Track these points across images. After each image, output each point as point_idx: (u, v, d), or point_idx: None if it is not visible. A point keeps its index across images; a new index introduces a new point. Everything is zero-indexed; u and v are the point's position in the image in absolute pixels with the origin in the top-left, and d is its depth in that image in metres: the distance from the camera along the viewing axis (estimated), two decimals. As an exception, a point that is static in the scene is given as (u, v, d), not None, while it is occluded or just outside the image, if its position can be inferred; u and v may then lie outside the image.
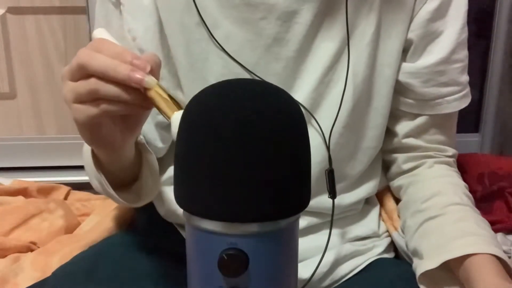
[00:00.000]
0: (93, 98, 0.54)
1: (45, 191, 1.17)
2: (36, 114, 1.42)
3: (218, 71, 0.74)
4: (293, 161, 0.44)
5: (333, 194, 0.74)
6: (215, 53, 0.74)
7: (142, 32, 0.74)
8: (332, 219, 0.74)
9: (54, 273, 0.77)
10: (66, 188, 1.19)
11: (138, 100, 0.54)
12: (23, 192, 1.15)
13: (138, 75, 0.52)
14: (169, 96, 0.54)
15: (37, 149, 1.36)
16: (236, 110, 0.43)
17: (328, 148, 0.76)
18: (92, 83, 0.53)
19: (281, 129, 0.43)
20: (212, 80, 0.73)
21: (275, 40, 0.73)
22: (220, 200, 0.42)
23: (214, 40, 0.73)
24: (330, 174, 0.75)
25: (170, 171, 0.83)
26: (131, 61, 0.53)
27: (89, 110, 0.54)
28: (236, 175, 0.42)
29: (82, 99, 0.54)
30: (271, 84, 0.47)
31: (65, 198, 1.17)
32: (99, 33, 0.62)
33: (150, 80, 0.53)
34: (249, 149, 0.42)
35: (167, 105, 0.53)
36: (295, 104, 0.47)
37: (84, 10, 1.35)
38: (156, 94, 0.53)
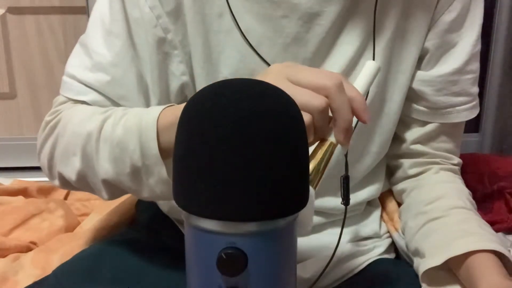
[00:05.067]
0: (305, 110, 0.53)
1: (45, 191, 1.17)
2: (36, 114, 1.42)
3: (233, 65, 0.73)
4: (291, 160, 0.44)
5: (346, 201, 0.74)
6: (232, 46, 0.73)
7: (165, 14, 0.72)
8: (343, 225, 0.74)
9: (54, 271, 0.77)
10: (66, 188, 1.19)
11: (315, 139, 0.57)
12: (23, 192, 1.15)
13: (368, 117, 0.57)
14: (324, 165, 0.56)
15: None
16: (234, 110, 0.43)
17: (345, 153, 0.76)
18: (324, 101, 0.54)
19: (279, 128, 0.43)
20: (226, 73, 0.73)
21: (294, 40, 0.73)
22: (219, 199, 0.42)
23: (234, 33, 0.73)
24: (345, 181, 0.75)
25: None
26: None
27: None
28: (235, 174, 0.42)
29: (300, 100, 0.53)
30: (270, 84, 0.47)
31: (65, 198, 1.17)
32: (371, 65, 0.64)
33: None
34: (247, 149, 0.42)
35: (317, 166, 0.55)
36: (293, 103, 0.47)
37: (84, 10, 1.36)
38: (327, 149, 0.56)
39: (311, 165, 0.55)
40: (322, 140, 0.57)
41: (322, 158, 0.56)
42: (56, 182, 0.75)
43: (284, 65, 0.57)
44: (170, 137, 0.62)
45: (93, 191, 0.71)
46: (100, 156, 0.67)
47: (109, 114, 0.69)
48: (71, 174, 0.71)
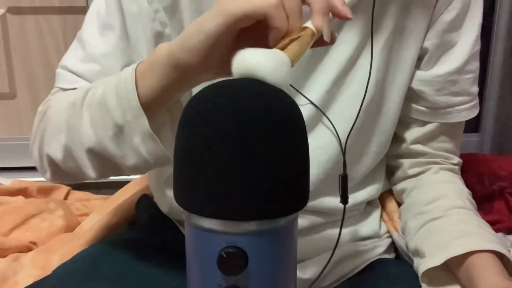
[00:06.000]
0: None
1: (45, 191, 1.17)
2: (36, 114, 1.42)
3: None
4: (291, 159, 0.44)
5: (344, 200, 0.74)
6: None
7: (162, 9, 0.72)
8: (342, 224, 0.74)
9: (54, 271, 0.77)
10: (66, 188, 1.19)
11: (291, 24, 0.53)
12: (23, 192, 1.15)
13: (348, 11, 0.53)
14: (303, 51, 0.53)
15: (37, 149, 1.36)
16: (234, 109, 0.43)
17: (343, 153, 0.76)
18: None
19: (279, 128, 0.43)
20: None
21: None
22: (219, 198, 0.42)
23: None
24: (343, 179, 0.74)
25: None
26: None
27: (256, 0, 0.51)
28: (235, 173, 0.42)
29: None
30: (270, 84, 0.47)
31: (65, 198, 1.18)
32: None
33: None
34: (247, 148, 0.42)
35: (299, 48, 0.51)
36: (294, 104, 0.47)
37: (84, 10, 1.36)
38: (307, 36, 0.53)
39: (293, 46, 0.51)
40: (301, 29, 0.54)
41: (302, 42, 0.52)
42: (48, 174, 0.74)
43: None
44: (149, 82, 0.60)
45: (81, 170, 0.68)
46: (83, 123, 0.65)
47: (92, 85, 0.68)
48: (57, 152, 0.69)
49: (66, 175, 0.72)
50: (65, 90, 0.75)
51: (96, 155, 0.66)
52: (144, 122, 0.61)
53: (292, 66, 0.49)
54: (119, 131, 0.62)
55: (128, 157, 0.64)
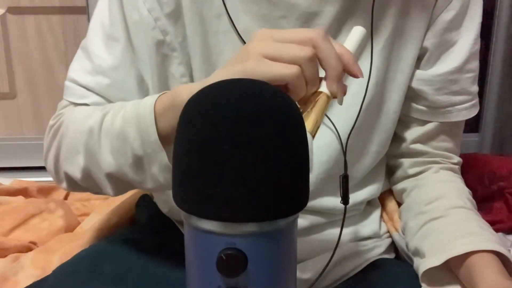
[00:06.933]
0: (293, 62, 0.54)
1: (45, 191, 1.17)
2: (36, 114, 1.42)
3: None
4: (291, 160, 0.44)
5: (345, 200, 0.74)
6: (231, 46, 0.73)
7: (164, 16, 0.73)
8: (342, 224, 0.74)
9: (54, 271, 0.77)
10: (66, 188, 1.19)
11: (309, 90, 0.55)
12: (23, 192, 1.15)
13: (358, 70, 0.57)
14: (321, 116, 0.56)
15: (37, 149, 1.36)
16: (234, 110, 0.43)
17: (344, 152, 0.76)
18: (311, 50, 0.54)
19: (279, 129, 0.43)
20: None
21: None
22: (219, 200, 0.42)
23: (232, 34, 0.73)
24: (344, 180, 0.75)
25: None
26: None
27: (279, 67, 0.54)
28: (234, 175, 0.42)
29: (281, 58, 0.54)
30: (269, 85, 0.47)
31: (65, 198, 1.18)
32: (357, 30, 0.63)
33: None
34: (247, 149, 0.42)
35: (316, 117, 0.55)
36: (293, 104, 0.47)
37: (84, 10, 1.36)
38: (322, 104, 0.55)
39: (311, 118, 0.54)
40: (316, 93, 0.57)
41: (319, 110, 0.56)
42: (64, 185, 0.76)
43: (269, 29, 0.57)
44: (168, 121, 0.62)
45: (99, 189, 0.71)
46: (102, 150, 0.67)
47: (108, 109, 0.69)
48: (76, 172, 0.71)
49: (83, 188, 0.75)
50: (76, 104, 0.76)
51: (115, 178, 0.68)
52: (163, 155, 0.63)
53: (313, 137, 0.53)
54: (138, 161, 0.65)
55: (147, 183, 0.66)
